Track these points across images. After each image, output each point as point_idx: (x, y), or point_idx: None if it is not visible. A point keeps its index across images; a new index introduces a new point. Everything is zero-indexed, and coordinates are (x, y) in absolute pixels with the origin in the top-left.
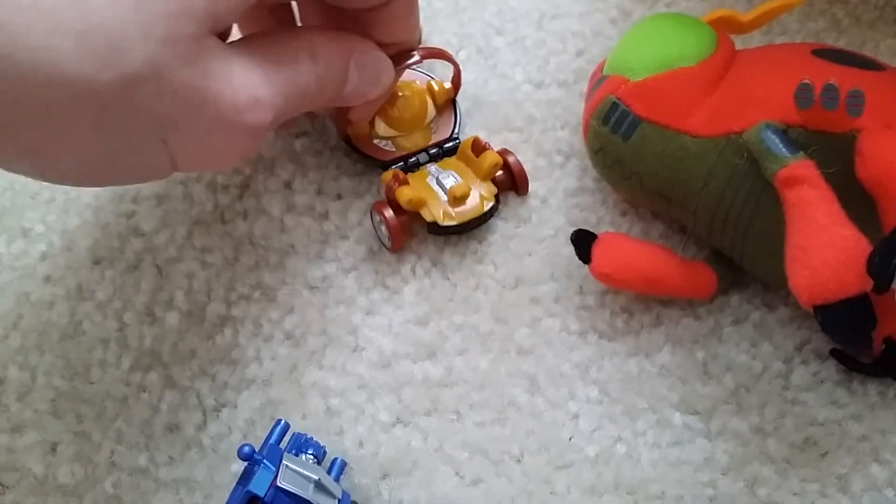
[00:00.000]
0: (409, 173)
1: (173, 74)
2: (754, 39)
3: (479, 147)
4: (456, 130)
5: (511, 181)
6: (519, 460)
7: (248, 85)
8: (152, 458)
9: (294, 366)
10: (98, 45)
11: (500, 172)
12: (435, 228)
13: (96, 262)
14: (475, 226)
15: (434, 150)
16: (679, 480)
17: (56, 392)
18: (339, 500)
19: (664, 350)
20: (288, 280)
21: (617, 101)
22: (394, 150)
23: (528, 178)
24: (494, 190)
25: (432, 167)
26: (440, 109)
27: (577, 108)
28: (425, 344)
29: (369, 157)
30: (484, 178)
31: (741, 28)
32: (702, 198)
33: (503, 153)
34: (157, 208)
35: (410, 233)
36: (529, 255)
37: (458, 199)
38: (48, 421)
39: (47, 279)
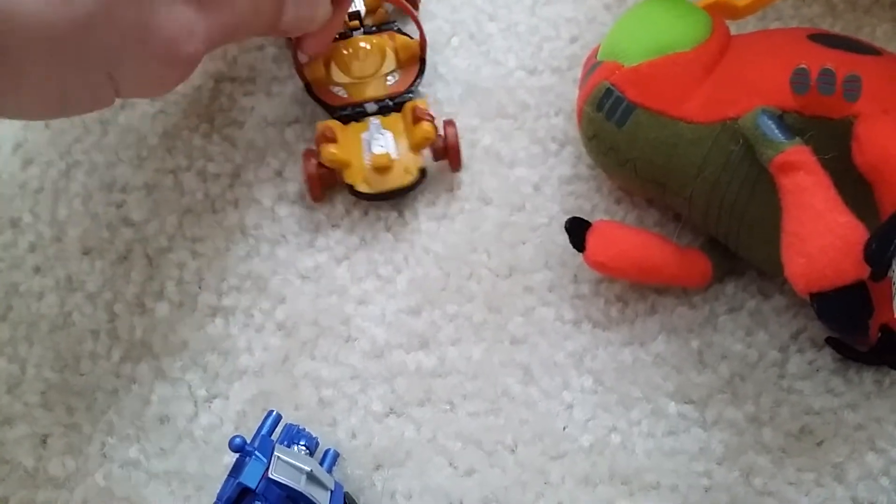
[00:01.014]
0: (351, 122)
1: (121, 12)
2: (749, 25)
3: (415, 116)
4: (413, 87)
5: (445, 152)
6: (513, 450)
7: (184, 18)
8: (143, 449)
9: (286, 356)
10: None
11: (440, 135)
12: (352, 191)
13: (86, 253)
14: (393, 197)
15: (383, 103)
16: (674, 470)
17: (46, 384)
18: (331, 492)
19: (659, 339)
20: (279, 270)
21: (611, 87)
22: (346, 96)
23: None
24: (420, 163)
25: (374, 122)
26: (403, 64)
27: (571, 95)
28: (418, 334)
29: (320, 101)
30: (414, 149)
31: (736, 13)
32: (697, 184)
33: (446, 125)
34: (148, 198)
35: (330, 186)
36: (523, 243)
37: (379, 170)
38: (38, 413)
39: (36, 270)
